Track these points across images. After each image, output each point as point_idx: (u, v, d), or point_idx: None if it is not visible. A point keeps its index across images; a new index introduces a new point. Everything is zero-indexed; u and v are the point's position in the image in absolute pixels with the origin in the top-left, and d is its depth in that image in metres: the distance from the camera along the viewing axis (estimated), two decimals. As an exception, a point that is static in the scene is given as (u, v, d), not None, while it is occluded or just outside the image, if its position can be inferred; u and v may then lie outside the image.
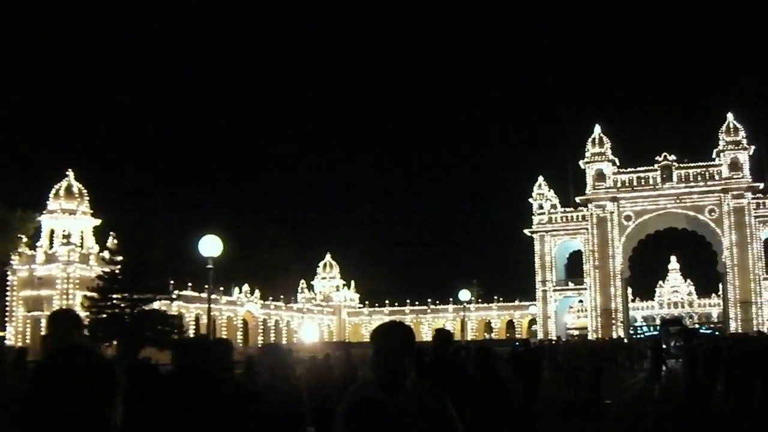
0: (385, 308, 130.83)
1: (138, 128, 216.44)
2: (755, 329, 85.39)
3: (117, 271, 70.41)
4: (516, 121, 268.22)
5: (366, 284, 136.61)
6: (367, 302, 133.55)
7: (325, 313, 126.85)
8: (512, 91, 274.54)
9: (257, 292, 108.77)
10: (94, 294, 70.26)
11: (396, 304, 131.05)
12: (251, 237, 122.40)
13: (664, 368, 40.56)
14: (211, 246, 26.08)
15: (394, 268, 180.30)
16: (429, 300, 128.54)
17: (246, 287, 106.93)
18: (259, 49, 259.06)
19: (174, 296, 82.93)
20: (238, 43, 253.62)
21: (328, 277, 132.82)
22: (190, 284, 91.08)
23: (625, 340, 79.49)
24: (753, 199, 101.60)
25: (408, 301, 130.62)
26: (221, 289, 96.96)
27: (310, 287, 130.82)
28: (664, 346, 47.34)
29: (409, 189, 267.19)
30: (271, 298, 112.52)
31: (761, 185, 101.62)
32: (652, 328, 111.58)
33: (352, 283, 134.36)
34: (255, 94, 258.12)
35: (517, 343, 46.49)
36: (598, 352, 31.79)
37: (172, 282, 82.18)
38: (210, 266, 26.38)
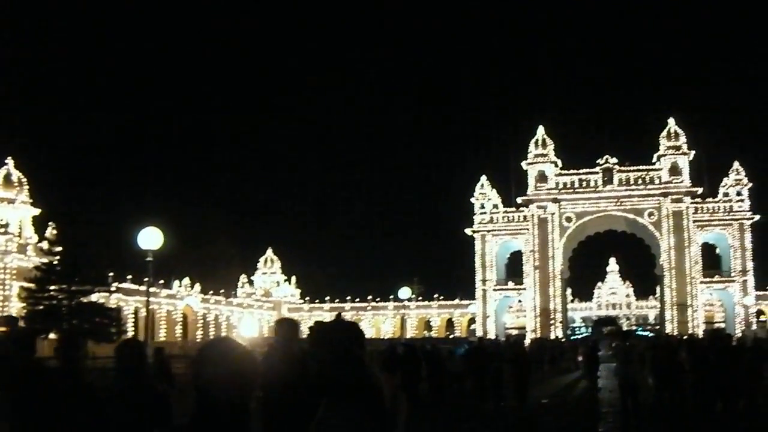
0: (325, 304, 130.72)
1: (81, 118, 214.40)
2: (690, 331, 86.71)
3: (55, 262, 69.69)
4: (460, 120, 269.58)
5: (307, 280, 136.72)
6: (307, 298, 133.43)
7: (265, 308, 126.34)
8: (457, 91, 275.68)
9: (197, 286, 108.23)
10: (32, 285, 69.47)
11: (336, 300, 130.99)
12: (193, 230, 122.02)
13: (599, 369, 41.09)
14: (151, 238, 25.92)
15: (336, 265, 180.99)
16: (369, 297, 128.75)
17: (186, 281, 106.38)
18: (224, 45, 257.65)
19: (113, 288, 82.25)
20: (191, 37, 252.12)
21: (269, 272, 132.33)
22: (129, 277, 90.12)
23: (563, 340, 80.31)
24: (691, 203, 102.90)
25: (348, 297, 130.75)
26: (161, 282, 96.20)
27: (251, 282, 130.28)
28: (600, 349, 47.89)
29: (352, 185, 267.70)
30: (211, 292, 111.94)
31: (700, 190, 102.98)
32: (590, 329, 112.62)
33: (293, 278, 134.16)
34: (204, 90, 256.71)
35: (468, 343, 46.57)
36: (521, 353, 30.98)
37: (111, 274, 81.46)
38: (149, 259, 26.23)
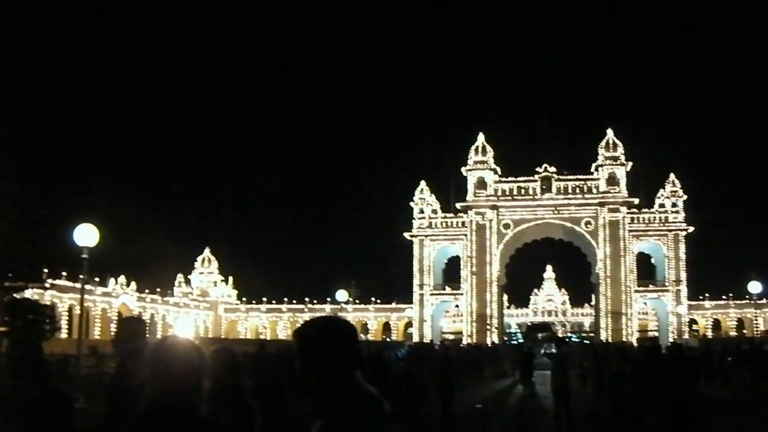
0: (262, 305, 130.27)
1: (15, 113, 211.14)
2: (623, 339, 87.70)
3: (-13, 258, 68.86)
4: (402, 126, 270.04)
5: (244, 281, 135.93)
6: (244, 299, 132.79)
7: (201, 308, 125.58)
8: (400, 96, 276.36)
9: (133, 284, 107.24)
10: (-37, 281, 68.52)
11: (273, 301, 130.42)
12: (129, 228, 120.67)
13: (533, 375, 41.43)
14: (86, 235, 25.73)
15: (274, 266, 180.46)
16: (306, 299, 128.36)
17: (122, 279, 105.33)
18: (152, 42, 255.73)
19: (47, 285, 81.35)
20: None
21: (206, 272, 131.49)
22: (64, 273, 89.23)
23: (499, 346, 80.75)
24: (628, 213, 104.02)
25: (286, 299, 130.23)
26: (96, 279, 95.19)
27: (188, 282, 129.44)
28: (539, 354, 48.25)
29: (291, 186, 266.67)
30: (147, 290, 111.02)
31: (636, 200, 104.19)
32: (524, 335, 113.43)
33: (230, 279, 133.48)
34: (141, 87, 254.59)
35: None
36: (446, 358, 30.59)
37: (45, 270, 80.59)
38: (85, 256, 26.02)
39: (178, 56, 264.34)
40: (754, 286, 66.74)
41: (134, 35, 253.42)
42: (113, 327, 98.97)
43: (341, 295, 75.09)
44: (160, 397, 4.30)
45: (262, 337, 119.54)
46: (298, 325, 4.42)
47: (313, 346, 4.24)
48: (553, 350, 31.72)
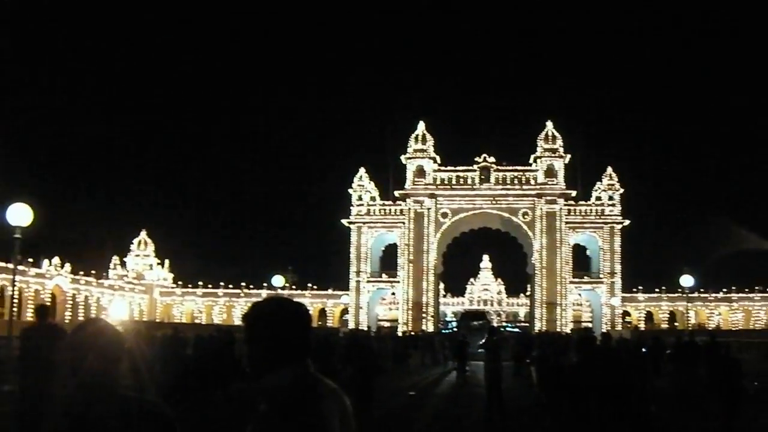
0: (198, 289, 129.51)
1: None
2: (558, 329, 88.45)
3: None
4: (343, 112, 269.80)
5: (181, 264, 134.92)
6: (180, 282, 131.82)
7: (136, 291, 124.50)
8: (341, 84, 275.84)
9: (68, 266, 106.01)
10: None
11: (210, 286, 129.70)
12: (64, 209, 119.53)
13: (468, 363, 41.59)
14: (19, 215, 25.35)
15: (210, 251, 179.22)
16: (243, 284, 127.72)
17: (56, 260, 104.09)
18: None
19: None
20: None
21: (142, 254, 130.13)
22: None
23: (435, 334, 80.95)
24: (565, 205, 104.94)
25: (222, 283, 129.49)
26: (30, 260, 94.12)
27: (123, 264, 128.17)
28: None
29: (229, 170, 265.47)
30: (81, 272, 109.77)
31: (574, 192, 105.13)
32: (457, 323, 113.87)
33: (167, 262, 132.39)
34: (74, 67, 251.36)
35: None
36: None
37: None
38: (17, 236, 25.65)
39: (100, 30, 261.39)
40: (686, 280, 67.34)
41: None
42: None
43: (277, 280, 74.75)
44: (83, 378, 4.28)
45: (197, 321, 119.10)
46: (248, 307, 4.17)
47: (263, 329, 4.01)
48: (488, 339, 31.92)
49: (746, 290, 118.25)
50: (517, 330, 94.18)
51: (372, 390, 23.36)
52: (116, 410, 4.23)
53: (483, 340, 27.93)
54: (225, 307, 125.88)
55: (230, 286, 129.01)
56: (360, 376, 23.09)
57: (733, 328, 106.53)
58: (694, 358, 29.22)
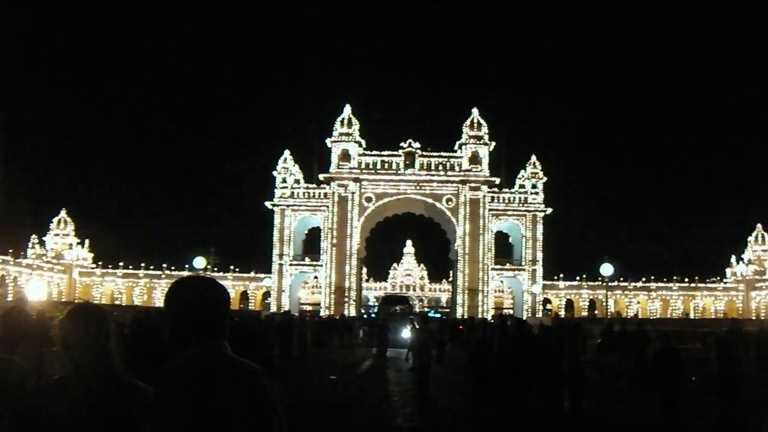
0: (118, 270, 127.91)
1: None
2: (480, 316, 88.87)
3: None
4: (268, 94, 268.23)
5: (101, 244, 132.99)
6: (100, 263, 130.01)
7: (55, 271, 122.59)
8: (266, 66, 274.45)
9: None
10: None
11: (130, 266, 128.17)
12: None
13: (388, 347, 41.59)
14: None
15: (131, 230, 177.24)
16: (164, 265, 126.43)
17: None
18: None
19: None
20: None
21: (61, 233, 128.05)
22: None
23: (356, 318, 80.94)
24: (489, 192, 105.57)
25: (143, 264, 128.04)
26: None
27: (42, 243, 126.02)
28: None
29: (151, 149, 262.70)
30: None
31: (497, 180, 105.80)
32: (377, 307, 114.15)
33: (87, 242, 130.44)
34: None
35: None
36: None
37: None
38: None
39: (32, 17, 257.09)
40: (606, 269, 68.26)
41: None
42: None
43: (199, 262, 74.25)
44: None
45: (117, 302, 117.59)
46: (170, 284, 4.15)
47: (179, 306, 3.98)
48: (416, 326, 31.91)
49: (664, 280, 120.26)
50: (438, 316, 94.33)
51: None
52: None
53: (410, 326, 27.91)
54: (146, 288, 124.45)
55: (151, 267, 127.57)
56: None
57: (651, 317, 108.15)
58: (631, 347, 29.37)
